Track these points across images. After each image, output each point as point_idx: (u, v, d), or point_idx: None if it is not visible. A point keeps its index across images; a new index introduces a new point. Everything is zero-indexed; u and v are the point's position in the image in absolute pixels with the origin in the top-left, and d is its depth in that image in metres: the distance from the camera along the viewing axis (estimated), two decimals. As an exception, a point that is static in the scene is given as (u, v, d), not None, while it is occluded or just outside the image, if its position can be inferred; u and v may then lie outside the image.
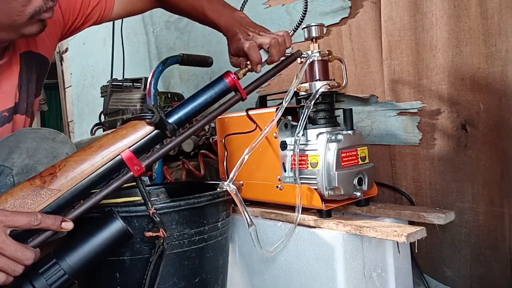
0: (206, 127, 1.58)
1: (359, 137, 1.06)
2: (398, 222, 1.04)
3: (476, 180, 1.11)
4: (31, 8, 0.81)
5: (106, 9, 1.12)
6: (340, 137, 1.01)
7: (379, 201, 1.21)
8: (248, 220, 0.95)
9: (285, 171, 1.10)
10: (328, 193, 1.01)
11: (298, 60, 1.06)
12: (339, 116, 1.12)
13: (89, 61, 3.19)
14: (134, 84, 2.04)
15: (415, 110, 1.22)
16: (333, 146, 1.01)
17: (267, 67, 0.94)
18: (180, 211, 0.93)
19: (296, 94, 1.12)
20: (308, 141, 1.07)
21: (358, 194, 1.03)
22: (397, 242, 1.03)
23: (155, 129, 0.78)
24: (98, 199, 0.74)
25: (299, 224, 1.02)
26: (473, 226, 1.13)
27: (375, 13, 1.30)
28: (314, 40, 1.10)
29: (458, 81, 1.13)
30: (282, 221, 1.09)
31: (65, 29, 1.09)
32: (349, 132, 1.04)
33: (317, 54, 1.08)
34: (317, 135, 1.05)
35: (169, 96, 1.94)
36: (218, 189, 0.99)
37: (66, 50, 3.55)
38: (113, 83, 2.04)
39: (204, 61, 1.67)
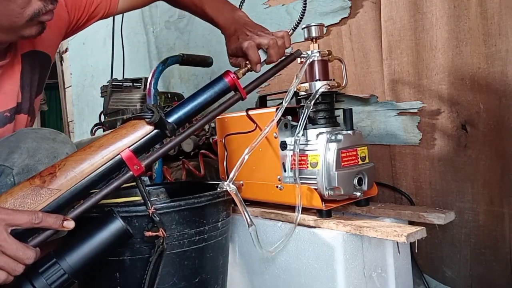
0: (206, 127, 1.58)
1: (359, 137, 1.06)
2: (398, 222, 1.04)
3: (476, 180, 1.11)
4: (30, 11, 0.81)
5: (111, 7, 1.12)
6: (340, 137, 1.01)
7: (379, 201, 1.21)
8: (248, 220, 0.95)
9: (285, 171, 1.10)
10: (328, 193, 1.01)
11: (298, 60, 1.06)
12: (339, 116, 1.12)
13: (89, 61, 3.19)
14: (134, 84, 2.04)
15: (415, 110, 1.22)
16: (333, 146, 1.01)
17: (266, 67, 0.94)
18: (180, 211, 0.93)
19: (296, 94, 1.12)
20: (308, 141, 1.07)
21: (358, 194, 1.03)
22: (397, 242, 1.03)
23: (154, 129, 0.78)
24: (98, 198, 0.74)
25: (299, 224, 1.02)
26: (473, 226, 1.13)
27: (375, 13, 1.30)
28: (314, 40, 1.09)
29: (458, 81, 1.13)
30: (282, 221, 1.09)
31: (69, 27, 1.10)
32: (349, 132, 1.04)
33: (317, 54, 1.08)
34: (317, 135, 1.05)
35: (169, 96, 1.94)
36: (218, 189, 0.99)
37: (66, 50, 3.55)
38: (113, 83, 2.04)
39: (204, 61, 1.67)
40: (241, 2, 1.05)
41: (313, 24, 1.09)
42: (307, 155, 1.05)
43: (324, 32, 1.37)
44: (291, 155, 1.07)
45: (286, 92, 1.01)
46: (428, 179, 1.21)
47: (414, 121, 1.22)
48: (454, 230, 1.16)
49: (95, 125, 2.09)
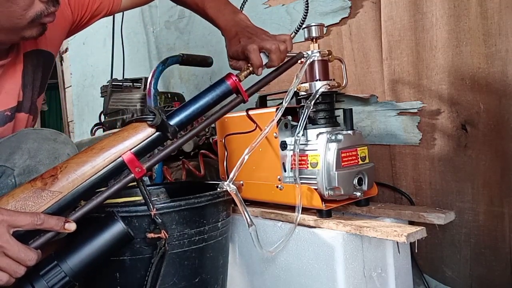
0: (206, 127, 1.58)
1: (359, 137, 1.06)
2: (398, 222, 1.04)
3: (476, 180, 1.12)
4: (32, 12, 0.81)
5: (114, 4, 1.12)
6: (340, 137, 1.01)
7: (379, 201, 1.21)
8: (248, 220, 0.96)
9: (285, 171, 1.10)
10: (328, 193, 1.01)
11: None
12: (339, 116, 1.12)
13: (89, 61, 3.19)
14: (134, 84, 2.04)
15: (415, 110, 1.22)
16: (333, 146, 1.01)
17: (268, 69, 0.94)
18: (180, 211, 0.93)
19: (296, 94, 1.13)
20: (308, 141, 1.07)
21: (358, 194, 1.03)
22: (397, 242, 1.03)
23: (156, 131, 0.78)
24: (100, 201, 0.74)
25: (299, 224, 1.02)
26: (473, 226, 1.13)
27: (375, 13, 1.30)
28: (314, 40, 1.10)
29: (458, 81, 1.13)
30: (282, 221, 1.09)
31: (73, 25, 1.10)
32: (349, 132, 1.04)
33: (317, 54, 1.08)
34: (317, 135, 1.06)
35: (169, 96, 1.94)
36: (218, 189, 0.99)
37: (66, 50, 3.54)
38: (113, 83, 2.04)
39: (204, 61, 1.67)
40: (242, 3, 1.05)
41: (313, 24, 1.09)
42: (307, 155, 1.05)
43: (324, 32, 1.37)
44: (291, 155, 1.07)
45: (286, 92, 1.01)
46: (428, 179, 1.21)
47: (414, 121, 1.22)
48: (454, 230, 1.16)
49: (95, 125, 2.10)
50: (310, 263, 1.00)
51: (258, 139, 0.98)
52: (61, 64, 3.68)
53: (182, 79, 2.26)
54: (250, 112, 1.16)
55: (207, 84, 2.07)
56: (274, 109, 1.06)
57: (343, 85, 1.10)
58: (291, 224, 1.04)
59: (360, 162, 1.05)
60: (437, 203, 1.19)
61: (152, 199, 1.03)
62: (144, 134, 0.77)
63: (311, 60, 1.07)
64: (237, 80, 0.85)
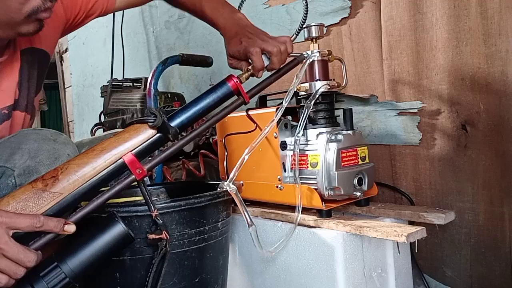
0: (206, 127, 1.57)
1: (359, 137, 1.06)
2: (398, 222, 1.04)
3: (476, 180, 1.12)
4: (29, 7, 0.81)
5: (109, 4, 1.12)
6: (340, 137, 1.02)
7: (379, 201, 1.21)
8: (248, 220, 0.96)
9: (285, 171, 1.10)
10: (328, 193, 1.01)
11: (298, 59, 1.05)
12: (339, 116, 1.12)
13: (89, 61, 3.19)
14: (134, 84, 2.04)
15: (415, 110, 1.22)
16: (333, 146, 1.01)
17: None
18: (180, 211, 0.93)
19: (296, 94, 1.13)
20: (308, 141, 1.07)
21: (358, 194, 1.03)
22: (397, 242, 1.03)
23: (157, 133, 0.78)
24: (100, 202, 0.74)
25: (299, 224, 1.02)
26: (473, 226, 1.13)
27: (375, 13, 1.30)
28: (314, 40, 1.09)
29: (458, 81, 1.13)
30: (282, 221, 1.09)
31: (67, 24, 1.09)
32: (349, 132, 1.04)
33: (317, 54, 1.08)
34: (317, 135, 1.06)
35: (169, 96, 1.94)
36: (218, 189, 0.99)
37: (66, 50, 3.55)
38: (113, 83, 2.04)
39: (204, 61, 1.67)
40: (240, 3, 1.05)
41: (313, 24, 1.09)
42: (307, 155, 1.05)
43: (324, 32, 1.37)
44: (291, 155, 1.07)
45: (286, 92, 1.01)
46: (428, 179, 1.21)
47: (414, 121, 1.22)
48: (454, 230, 1.16)
49: (95, 125, 2.10)
50: (310, 263, 1.00)
51: (258, 139, 0.98)
52: (61, 64, 3.68)
53: (182, 79, 2.26)
54: (250, 112, 1.16)
55: (207, 84, 2.07)
56: (274, 109, 1.06)
57: (343, 85, 1.10)
58: (291, 224, 1.04)
59: (360, 162, 1.05)
60: (437, 203, 1.19)
61: (152, 199, 1.03)
62: (145, 135, 0.77)
63: (311, 60, 1.07)
64: (238, 81, 0.85)
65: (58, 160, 0.86)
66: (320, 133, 1.05)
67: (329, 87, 1.07)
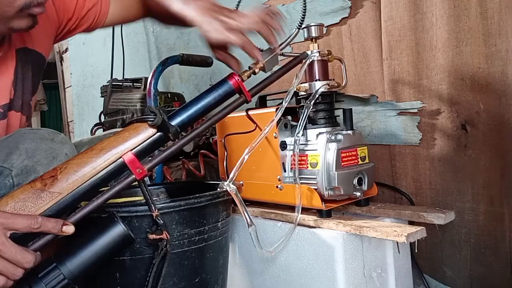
0: (206, 127, 1.57)
1: (359, 137, 1.06)
2: (398, 222, 1.04)
3: (476, 180, 1.11)
4: (21, 1, 0.81)
5: (101, 14, 1.10)
6: (340, 137, 1.01)
7: (379, 201, 1.21)
8: (248, 220, 0.95)
9: (285, 171, 1.10)
10: (328, 193, 1.01)
11: (298, 60, 1.05)
12: (339, 116, 1.12)
13: (89, 61, 3.19)
14: (134, 84, 2.04)
15: (415, 110, 1.22)
16: (333, 146, 1.01)
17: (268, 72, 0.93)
18: (180, 211, 0.93)
19: (296, 94, 1.12)
20: (308, 141, 1.07)
21: (358, 194, 1.03)
22: (397, 242, 1.03)
23: (157, 132, 0.77)
24: (100, 202, 0.74)
25: (299, 224, 1.02)
26: (473, 226, 1.13)
27: (375, 13, 1.30)
28: (313, 40, 1.09)
29: (458, 81, 1.13)
30: (282, 221, 1.09)
31: (59, 28, 1.08)
32: (349, 132, 1.04)
33: (317, 54, 1.08)
34: (317, 135, 1.05)
35: (169, 96, 1.94)
36: (218, 189, 0.99)
37: (66, 50, 3.55)
38: (113, 83, 2.04)
39: (204, 61, 1.67)
40: (238, 2, 1.05)
41: (313, 24, 1.09)
42: (307, 155, 1.05)
43: (324, 32, 1.37)
44: (291, 155, 1.07)
45: (286, 92, 1.01)
46: (428, 179, 1.21)
47: (414, 121, 1.22)
48: (454, 230, 1.16)
49: (95, 125, 2.10)
50: (310, 263, 1.00)
51: (258, 139, 0.98)
52: (61, 64, 3.68)
53: (182, 79, 2.26)
54: (250, 112, 1.16)
55: (207, 84, 2.07)
56: (274, 109, 1.06)
57: (343, 85, 1.10)
58: (291, 224, 1.04)
59: (360, 162, 1.05)
60: (437, 203, 1.19)
61: (153, 199, 1.03)
62: (145, 134, 0.76)
63: (310, 60, 1.07)
64: (240, 80, 0.84)
65: (55, 159, 0.86)
66: (320, 133, 1.05)
67: (329, 87, 1.07)
